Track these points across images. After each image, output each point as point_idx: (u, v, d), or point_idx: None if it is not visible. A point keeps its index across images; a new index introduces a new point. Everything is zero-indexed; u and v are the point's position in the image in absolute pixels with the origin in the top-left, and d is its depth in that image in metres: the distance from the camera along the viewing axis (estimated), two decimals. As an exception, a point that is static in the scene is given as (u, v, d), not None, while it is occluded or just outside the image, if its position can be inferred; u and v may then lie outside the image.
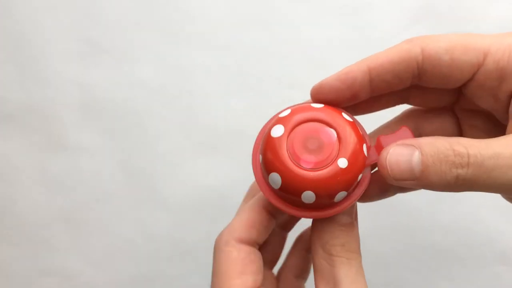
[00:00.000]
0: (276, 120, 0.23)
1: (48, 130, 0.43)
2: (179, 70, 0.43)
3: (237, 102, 0.42)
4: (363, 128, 0.24)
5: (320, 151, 0.21)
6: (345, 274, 0.22)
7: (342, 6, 0.41)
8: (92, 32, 0.43)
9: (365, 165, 0.22)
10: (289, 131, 0.22)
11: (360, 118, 0.25)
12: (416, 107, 0.27)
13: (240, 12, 0.42)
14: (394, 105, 0.26)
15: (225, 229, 0.26)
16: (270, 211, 0.26)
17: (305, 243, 0.31)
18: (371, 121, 0.27)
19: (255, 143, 0.24)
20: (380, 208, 0.39)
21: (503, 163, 0.19)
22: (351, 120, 0.22)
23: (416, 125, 0.27)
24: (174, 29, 0.43)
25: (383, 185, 0.26)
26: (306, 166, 0.21)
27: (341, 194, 0.22)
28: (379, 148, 0.22)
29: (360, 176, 0.22)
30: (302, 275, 0.31)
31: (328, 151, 0.21)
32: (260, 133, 0.24)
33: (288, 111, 0.23)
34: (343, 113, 0.23)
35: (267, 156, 0.22)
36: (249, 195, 0.31)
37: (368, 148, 0.22)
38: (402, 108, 0.28)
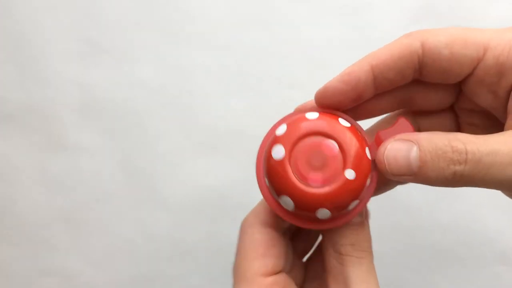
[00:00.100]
0: (274, 139, 0.22)
1: (48, 130, 0.43)
2: (179, 70, 0.43)
3: (237, 102, 0.42)
4: (362, 129, 0.23)
5: (325, 166, 0.21)
6: (355, 273, 0.22)
7: (342, 6, 0.41)
8: (92, 32, 0.43)
9: (370, 168, 0.22)
10: (290, 151, 0.21)
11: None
12: None
13: (240, 12, 0.42)
14: (395, 109, 0.26)
15: (251, 212, 0.26)
16: None
17: None
18: (370, 120, 0.27)
19: (257, 162, 0.24)
20: (380, 208, 0.39)
21: (501, 160, 0.19)
22: (349, 125, 0.22)
23: (414, 122, 0.27)
24: (174, 29, 0.43)
25: (382, 179, 0.27)
26: (315, 184, 0.21)
27: (354, 203, 0.22)
28: (379, 143, 0.22)
29: (368, 180, 0.22)
30: None
31: (333, 165, 0.21)
32: (259, 152, 0.24)
33: (284, 127, 0.22)
34: (339, 119, 0.22)
35: (274, 180, 0.22)
36: None
37: (370, 148, 0.22)
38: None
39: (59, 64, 0.43)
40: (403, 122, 0.22)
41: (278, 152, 0.21)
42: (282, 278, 0.24)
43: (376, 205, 0.29)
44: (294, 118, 0.23)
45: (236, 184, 0.42)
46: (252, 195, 0.42)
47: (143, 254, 0.42)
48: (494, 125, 0.24)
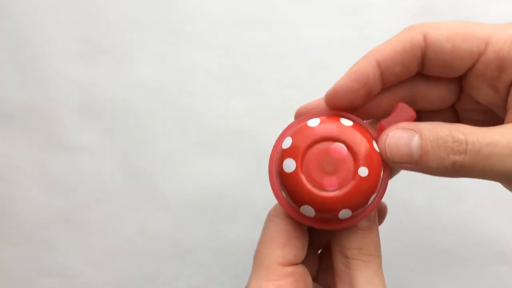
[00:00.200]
0: (282, 153, 0.22)
1: (48, 130, 0.43)
2: (179, 70, 0.43)
3: (237, 102, 0.42)
4: (365, 123, 0.24)
5: (337, 170, 0.21)
6: (362, 277, 0.23)
7: (342, 6, 0.41)
8: (92, 32, 0.43)
9: (381, 161, 0.22)
10: (301, 162, 0.22)
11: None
12: None
13: (240, 12, 0.42)
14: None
15: (278, 203, 0.26)
16: None
17: None
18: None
19: (270, 178, 0.24)
20: (380, 208, 0.39)
21: (500, 151, 0.19)
22: (351, 123, 0.22)
23: (415, 118, 0.27)
24: (174, 29, 0.43)
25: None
26: (332, 188, 0.21)
27: (373, 196, 0.22)
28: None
29: (382, 172, 0.22)
30: None
31: (345, 167, 0.21)
32: (269, 168, 0.24)
33: (289, 140, 0.22)
34: (341, 120, 0.22)
35: (291, 192, 0.22)
36: None
37: (376, 140, 0.22)
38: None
39: (59, 64, 0.43)
40: (403, 106, 0.22)
41: (289, 165, 0.22)
42: (299, 270, 0.24)
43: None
44: (296, 128, 0.23)
45: (236, 184, 0.42)
46: (252, 195, 0.42)
47: (143, 254, 0.42)
48: (494, 121, 0.24)
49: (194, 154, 0.42)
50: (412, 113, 0.22)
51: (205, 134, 0.42)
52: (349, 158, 0.21)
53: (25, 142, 0.43)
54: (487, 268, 0.40)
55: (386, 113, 0.26)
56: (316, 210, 0.22)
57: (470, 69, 0.22)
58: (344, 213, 0.22)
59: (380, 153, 0.22)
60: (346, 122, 0.22)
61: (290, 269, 0.23)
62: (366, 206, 0.22)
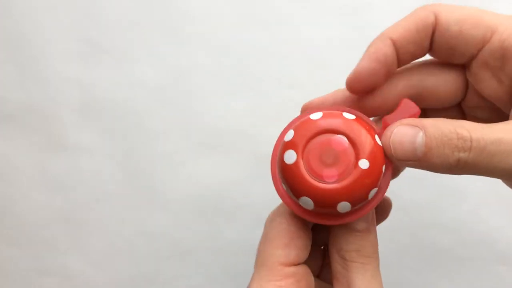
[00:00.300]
0: (284, 145, 0.22)
1: (48, 130, 0.43)
2: (179, 70, 0.43)
3: (237, 102, 0.42)
4: (368, 118, 0.24)
5: (338, 161, 0.21)
6: (360, 279, 0.22)
7: (342, 6, 0.41)
8: (92, 32, 0.43)
9: (383, 155, 0.22)
10: (301, 153, 0.22)
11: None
12: None
13: (240, 12, 0.42)
14: None
15: (281, 203, 0.26)
16: None
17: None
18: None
19: (272, 172, 0.24)
20: (380, 208, 0.39)
21: (505, 149, 0.19)
22: (354, 117, 0.22)
23: (422, 115, 0.27)
24: (174, 29, 0.43)
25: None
26: (331, 180, 0.21)
27: (373, 191, 0.22)
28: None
29: (383, 167, 0.22)
30: None
31: (345, 158, 0.21)
32: (272, 161, 0.24)
33: (291, 133, 0.22)
34: (343, 113, 0.22)
35: (290, 184, 0.22)
36: None
37: (379, 135, 0.22)
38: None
39: (59, 64, 0.43)
40: (407, 102, 0.22)
41: (290, 156, 0.22)
42: (301, 270, 0.24)
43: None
44: (299, 121, 0.23)
45: (236, 184, 0.42)
46: (252, 195, 0.42)
47: (143, 254, 0.42)
48: (499, 119, 0.24)
49: (194, 154, 0.42)
50: (416, 109, 0.22)
51: (205, 134, 0.42)
52: (350, 150, 0.21)
53: (25, 142, 0.43)
54: (487, 268, 0.40)
55: (391, 108, 0.26)
56: (315, 202, 0.21)
57: (474, 57, 0.22)
58: (343, 207, 0.21)
59: (382, 148, 0.22)
60: (348, 116, 0.22)
61: (291, 269, 0.23)
62: (366, 201, 0.22)
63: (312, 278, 0.25)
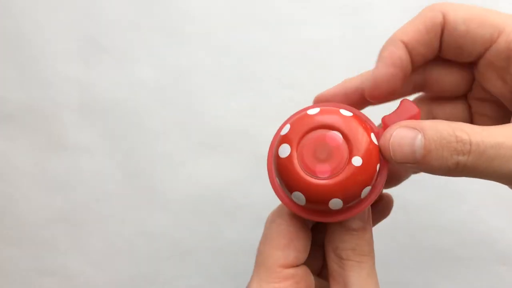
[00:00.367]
0: (280, 139, 0.22)
1: (48, 130, 0.43)
2: (179, 70, 0.43)
3: (237, 102, 0.42)
4: (367, 117, 0.23)
5: (331, 157, 0.21)
6: (355, 277, 0.23)
7: (342, 6, 0.41)
8: (92, 32, 0.43)
9: (378, 154, 0.22)
10: (296, 147, 0.21)
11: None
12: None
13: (240, 12, 0.42)
14: (411, 94, 0.26)
15: (281, 203, 0.26)
16: None
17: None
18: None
19: (268, 165, 0.24)
20: (380, 208, 0.39)
21: (504, 153, 0.19)
22: (351, 114, 0.22)
23: (428, 109, 0.27)
24: (174, 29, 0.43)
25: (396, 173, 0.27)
26: (323, 176, 0.21)
27: (366, 190, 0.22)
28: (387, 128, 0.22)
29: (378, 166, 0.22)
30: None
31: (338, 155, 0.21)
32: (268, 155, 0.24)
33: (288, 127, 0.22)
34: (341, 110, 0.22)
35: (283, 178, 0.22)
36: None
37: (377, 134, 0.22)
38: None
39: (59, 64, 0.43)
40: (407, 103, 0.22)
41: (284, 150, 0.22)
42: (300, 271, 0.24)
43: (376, 205, 0.29)
44: (296, 116, 0.23)
45: (236, 184, 0.42)
46: (252, 195, 0.42)
47: (143, 254, 0.42)
48: (505, 115, 0.24)
49: (194, 154, 0.42)
50: (416, 110, 0.22)
51: (205, 134, 0.42)
52: (344, 147, 0.21)
53: (25, 142, 0.43)
54: (487, 268, 0.40)
55: (398, 97, 0.26)
56: (307, 198, 0.21)
57: (481, 56, 0.22)
58: (335, 203, 0.21)
59: (378, 147, 0.22)
60: (345, 113, 0.22)
61: (291, 271, 0.23)
62: (359, 199, 0.22)
63: (312, 278, 0.25)
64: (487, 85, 0.23)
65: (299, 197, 0.22)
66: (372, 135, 0.22)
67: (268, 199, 0.42)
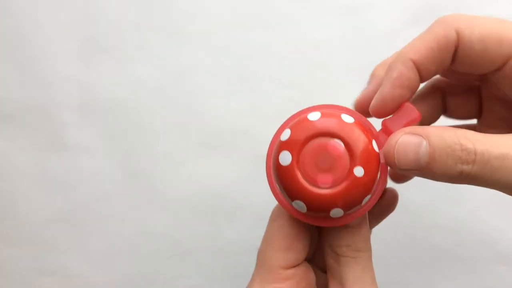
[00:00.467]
0: (280, 145, 0.22)
1: (48, 130, 0.43)
2: (179, 70, 0.43)
3: (237, 102, 0.42)
4: (367, 121, 0.23)
5: (333, 167, 0.21)
6: (351, 273, 0.23)
7: (342, 6, 0.41)
8: (92, 32, 0.43)
9: (379, 162, 0.22)
10: (297, 156, 0.21)
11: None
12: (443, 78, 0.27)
13: (240, 12, 0.42)
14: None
15: None
16: None
17: None
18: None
19: (267, 169, 0.24)
20: (380, 208, 0.39)
21: (509, 164, 0.19)
22: (352, 120, 0.22)
23: (442, 94, 0.27)
24: (174, 29, 0.43)
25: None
26: (325, 186, 0.21)
27: (367, 198, 0.22)
28: (387, 132, 0.22)
29: (378, 174, 0.22)
30: None
31: (340, 165, 0.21)
32: (267, 158, 0.24)
33: (288, 132, 0.22)
34: (342, 115, 0.22)
35: (284, 186, 0.22)
36: None
37: (377, 138, 0.22)
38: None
39: (59, 64, 0.43)
40: (408, 107, 0.22)
41: (285, 158, 0.21)
42: (301, 270, 0.24)
43: (376, 205, 0.29)
44: (296, 120, 0.22)
45: (236, 184, 0.42)
46: (252, 195, 0.42)
47: (143, 254, 0.42)
48: None
49: (194, 154, 0.42)
50: (417, 114, 0.22)
51: (205, 134, 0.42)
52: (346, 156, 0.21)
53: (25, 142, 0.43)
54: (487, 268, 0.40)
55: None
56: (308, 207, 0.21)
57: (498, 69, 0.22)
58: (336, 212, 0.21)
59: (378, 154, 0.22)
60: (347, 119, 0.22)
61: (291, 271, 0.23)
62: (359, 206, 0.22)
63: (313, 275, 0.25)
64: (503, 89, 0.23)
65: (300, 205, 0.22)
66: (374, 142, 0.22)
67: (268, 199, 0.42)
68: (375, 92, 0.23)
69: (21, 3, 0.43)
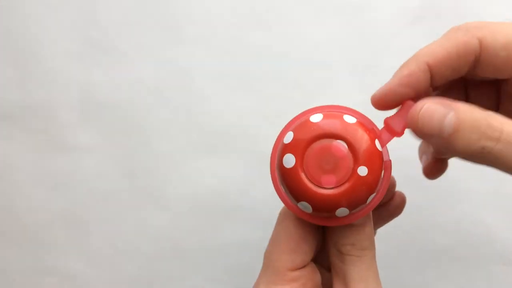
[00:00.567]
0: (283, 148, 0.22)
1: (48, 130, 0.43)
2: (179, 70, 0.43)
3: (237, 102, 0.42)
4: (369, 120, 0.23)
5: (337, 168, 0.21)
6: (355, 271, 0.23)
7: (342, 6, 0.41)
8: (92, 32, 0.43)
9: (383, 160, 0.22)
10: (301, 158, 0.21)
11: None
12: None
13: (240, 12, 0.42)
14: None
15: None
16: None
17: None
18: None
19: (271, 171, 0.24)
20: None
21: None
22: (354, 120, 0.22)
23: (464, 85, 0.27)
24: (174, 29, 0.43)
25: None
26: (330, 186, 0.21)
27: (371, 196, 0.22)
28: (390, 130, 0.23)
29: (382, 172, 0.22)
30: None
31: (344, 165, 0.21)
32: (271, 161, 0.24)
33: (291, 135, 0.22)
34: (344, 116, 0.22)
35: (289, 188, 0.22)
36: None
37: (379, 137, 0.22)
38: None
39: (59, 64, 0.43)
40: (409, 105, 0.22)
41: (289, 160, 0.22)
42: (307, 271, 0.24)
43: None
44: (299, 123, 0.23)
45: (236, 184, 0.42)
46: (252, 195, 0.42)
47: (143, 254, 0.42)
48: None
49: (194, 154, 0.42)
50: None
51: (205, 134, 0.42)
52: (349, 157, 0.21)
53: (25, 142, 0.43)
54: (487, 268, 0.40)
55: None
56: (313, 207, 0.22)
57: None
58: (341, 212, 0.22)
59: (381, 153, 0.22)
60: (349, 119, 0.22)
61: (297, 273, 0.24)
62: (365, 205, 0.22)
63: (319, 275, 0.25)
64: None
65: (305, 206, 0.22)
66: (376, 141, 0.22)
67: (268, 199, 0.42)
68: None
69: (22, 3, 0.43)
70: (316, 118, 0.22)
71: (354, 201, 0.21)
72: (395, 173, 0.28)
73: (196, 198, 0.42)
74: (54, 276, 0.43)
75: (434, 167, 0.29)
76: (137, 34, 0.43)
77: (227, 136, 0.42)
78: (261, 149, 0.41)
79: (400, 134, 0.23)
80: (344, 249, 0.23)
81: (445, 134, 0.20)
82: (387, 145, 0.23)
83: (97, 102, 0.43)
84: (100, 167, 0.43)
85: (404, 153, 0.30)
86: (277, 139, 0.24)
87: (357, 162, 0.21)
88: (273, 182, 0.24)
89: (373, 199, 0.23)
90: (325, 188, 0.21)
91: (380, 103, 0.23)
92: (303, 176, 0.21)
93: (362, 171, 0.21)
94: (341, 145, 0.21)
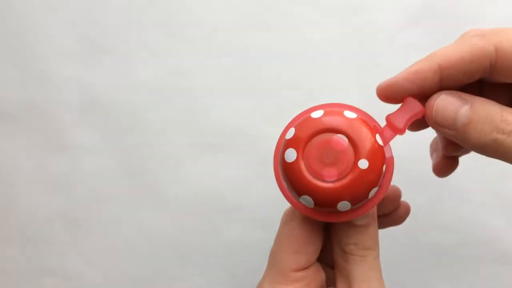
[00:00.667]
0: (285, 143, 0.23)
1: (48, 130, 0.43)
2: (179, 70, 0.43)
3: (237, 102, 0.42)
4: (370, 117, 0.24)
5: (337, 161, 0.21)
6: (358, 271, 0.23)
7: (343, 6, 0.42)
8: (92, 32, 0.43)
9: (384, 154, 0.22)
10: (302, 152, 0.22)
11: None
12: None
13: (240, 12, 0.42)
14: None
15: None
16: None
17: None
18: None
19: (274, 168, 0.24)
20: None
21: None
22: (355, 116, 0.22)
23: (480, 82, 0.26)
24: (174, 29, 0.43)
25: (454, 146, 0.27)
26: (331, 179, 0.21)
27: (373, 190, 0.22)
28: (392, 127, 0.23)
29: (384, 166, 0.22)
30: None
31: (345, 158, 0.21)
32: (274, 158, 0.24)
33: (292, 131, 0.23)
34: (345, 112, 0.22)
35: (291, 182, 0.22)
36: None
37: (381, 133, 0.23)
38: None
39: (59, 64, 0.43)
40: (410, 101, 0.23)
41: (290, 155, 0.22)
42: (311, 272, 0.24)
43: (376, 205, 0.29)
44: (300, 119, 0.23)
45: (236, 184, 0.42)
46: (252, 195, 0.42)
47: (143, 254, 0.42)
48: None
49: (194, 154, 0.42)
50: (420, 107, 0.22)
51: (205, 134, 0.42)
52: (350, 150, 0.21)
53: (25, 142, 0.43)
54: (487, 268, 0.40)
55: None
56: (315, 201, 0.22)
57: None
58: (343, 206, 0.22)
59: (383, 148, 0.22)
60: (349, 115, 0.22)
61: (301, 273, 0.24)
62: (367, 199, 0.22)
63: (323, 275, 0.25)
64: None
65: (307, 200, 0.22)
66: (377, 136, 0.22)
67: (268, 199, 0.42)
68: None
69: (21, 3, 0.43)
70: (317, 114, 0.22)
71: (356, 195, 0.21)
72: (395, 172, 0.28)
73: (196, 198, 0.42)
74: (54, 276, 0.43)
75: (444, 165, 0.30)
76: (137, 34, 0.43)
77: (227, 136, 0.42)
78: (261, 149, 0.41)
79: (402, 131, 0.23)
80: (347, 249, 0.23)
81: (459, 125, 0.20)
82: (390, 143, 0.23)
83: (97, 102, 0.43)
84: (99, 167, 0.43)
85: (405, 153, 0.30)
86: (280, 137, 0.24)
87: (357, 156, 0.21)
88: (276, 179, 0.24)
89: (376, 194, 0.23)
90: (326, 181, 0.21)
91: (383, 93, 0.23)
92: (304, 169, 0.22)
93: (363, 164, 0.21)
94: (342, 138, 0.21)
